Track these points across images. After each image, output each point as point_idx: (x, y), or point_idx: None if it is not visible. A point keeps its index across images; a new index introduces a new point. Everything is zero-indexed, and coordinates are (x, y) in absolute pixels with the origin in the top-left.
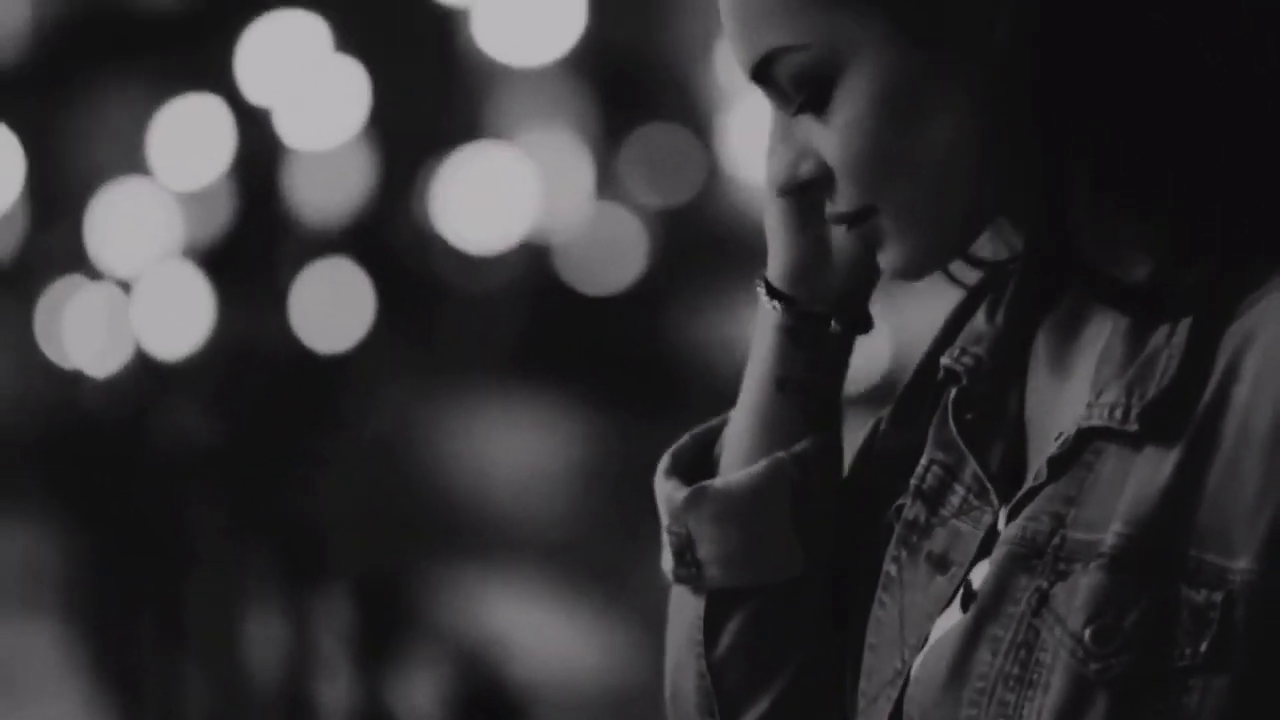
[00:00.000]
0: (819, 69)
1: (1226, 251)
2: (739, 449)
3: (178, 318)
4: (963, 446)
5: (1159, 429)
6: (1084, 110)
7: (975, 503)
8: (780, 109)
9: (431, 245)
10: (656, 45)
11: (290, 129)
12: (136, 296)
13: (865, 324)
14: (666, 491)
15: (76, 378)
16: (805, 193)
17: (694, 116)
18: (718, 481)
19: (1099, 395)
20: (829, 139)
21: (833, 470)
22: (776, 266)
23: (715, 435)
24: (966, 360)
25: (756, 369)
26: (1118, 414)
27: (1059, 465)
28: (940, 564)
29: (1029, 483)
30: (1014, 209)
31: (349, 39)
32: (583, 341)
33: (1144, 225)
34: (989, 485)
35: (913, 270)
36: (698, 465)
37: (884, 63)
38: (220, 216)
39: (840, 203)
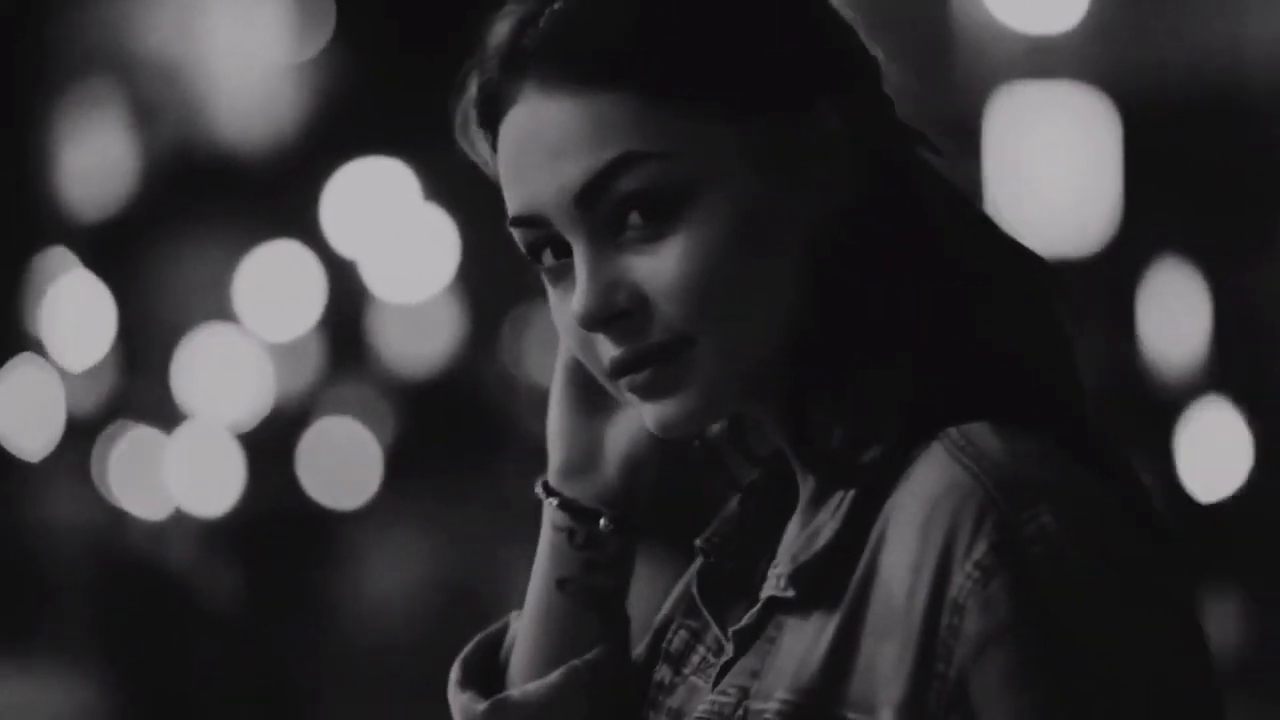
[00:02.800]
0: (668, 183)
1: (904, 431)
2: (528, 653)
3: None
4: (705, 612)
5: (817, 597)
6: (850, 289)
7: (712, 660)
8: (593, 243)
9: (519, 395)
10: None
11: (377, 278)
12: (230, 445)
13: (639, 525)
14: (463, 703)
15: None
16: (614, 325)
17: None
18: (515, 694)
19: (775, 565)
20: (662, 261)
21: (625, 670)
22: (554, 464)
23: (500, 638)
24: (715, 539)
25: (538, 569)
26: (781, 581)
27: (744, 636)
28: (677, 718)
29: (725, 654)
30: (769, 374)
31: (438, 188)
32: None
33: (843, 401)
34: (726, 641)
35: (698, 415)
36: (489, 672)
37: (740, 190)
38: (310, 366)
39: (656, 332)
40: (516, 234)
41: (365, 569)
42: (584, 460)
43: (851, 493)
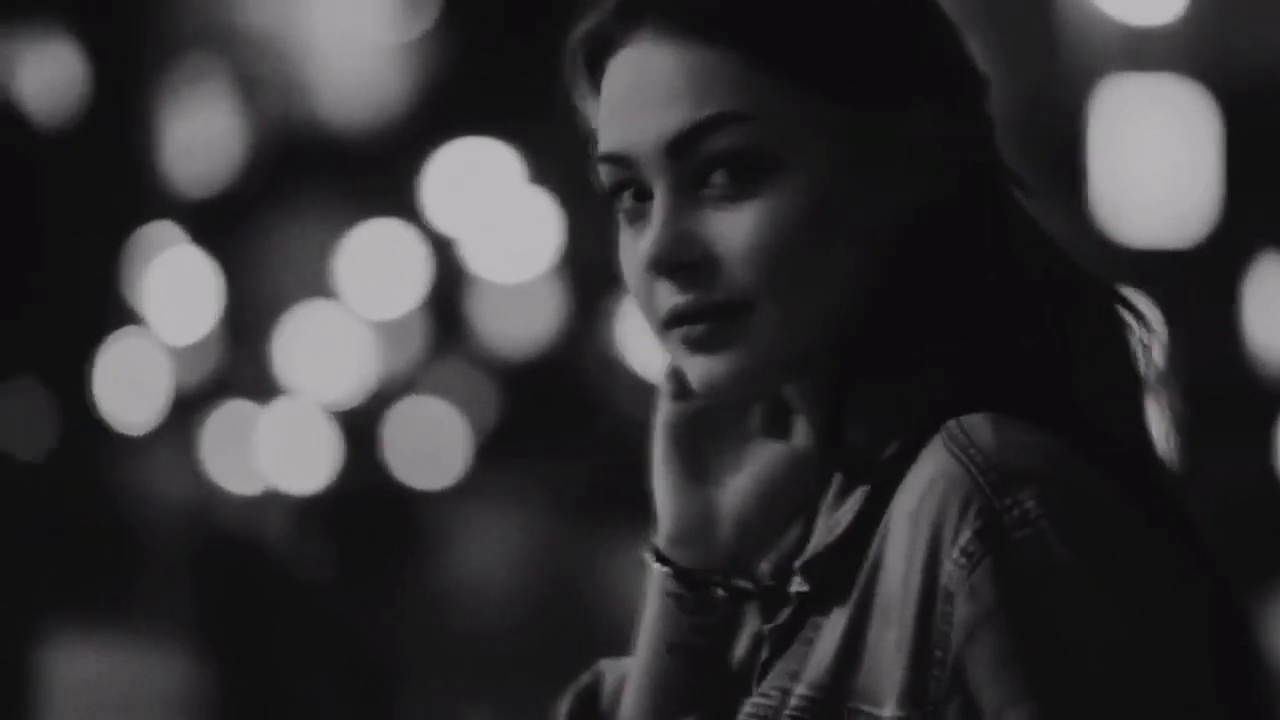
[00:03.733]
0: (759, 149)
1: (919, 427)
2: (635, 710)
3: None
4: (765, 636)
5: (836, 593)
6: (922, 286)
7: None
8: (676, 191)
9: (618, 380)
10: None
11: (478, 259)
12: (325, 422)
13: (752, 590)
14: None
15: (264, 500)
16: (679, 274)
17: None
18: None
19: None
20: (738, 222)
21: None
22: (664, 530)
23: (594, 689)
24: (779, 564)
25: (647, 631)
26: (796, 574)
27: (780, 635)
28: None
29: (764, 653)
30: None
31: (542, 170)
32: None
33: (876, 400)
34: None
35: (743, 379)
36: None
37: (825, 171)
38: (412, 345)
39: (719, 290)
40: (602, 170)
41: (457, 550)
42: (695, 527)
43: (866, 487)
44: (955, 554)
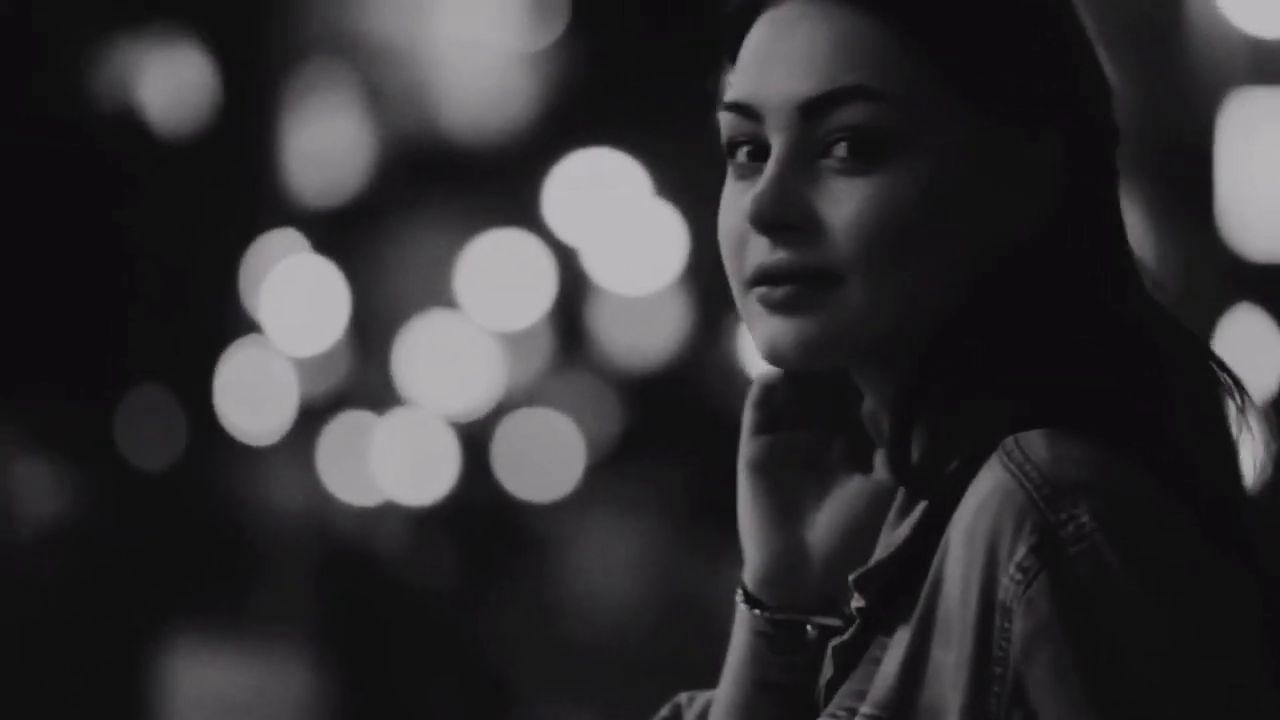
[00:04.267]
0: (888, 129)
1: (978, 441)
2: None
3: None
4: (829, 657)
5: (899, 612)
6: (1018, 308)
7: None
8: (794, 152)
9: (740, 392)
10: None
11: (602, 270)
12: (445, 433)
13: (840, 627)
14: None
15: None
16: (779, 232)
17: None
18: None
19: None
20: (849, 196)
21: None
22: (752, 571)
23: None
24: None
25: (736, 668)
26: (852, 589)
27: (844, 654)
28: None
29: (827, 673)
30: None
31: (668, 183)
32: None
33: (944, 417)
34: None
35: (812, 348)
36: None
37: (945, 168)
38: (535, 356)
39: (812, 256)
40: (725, 119)
41: (575, 561)
42: (783, 567)
43: (925, 503)
44: (1011, 570)
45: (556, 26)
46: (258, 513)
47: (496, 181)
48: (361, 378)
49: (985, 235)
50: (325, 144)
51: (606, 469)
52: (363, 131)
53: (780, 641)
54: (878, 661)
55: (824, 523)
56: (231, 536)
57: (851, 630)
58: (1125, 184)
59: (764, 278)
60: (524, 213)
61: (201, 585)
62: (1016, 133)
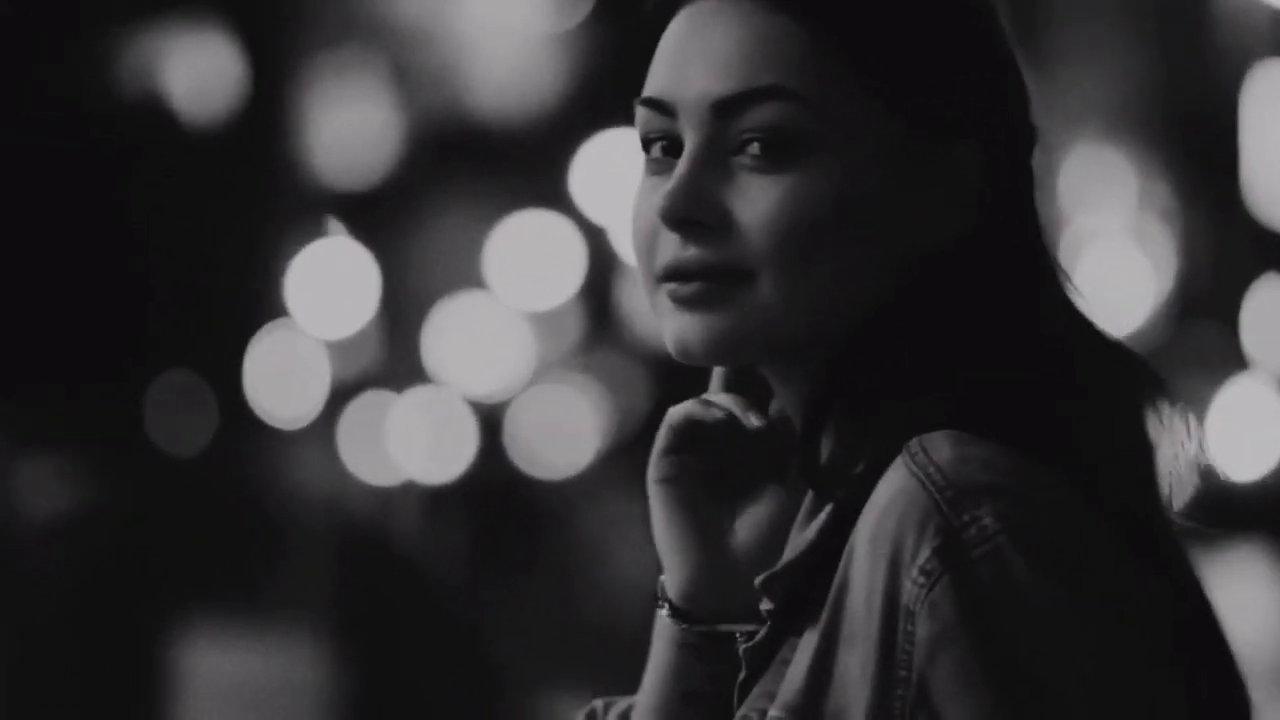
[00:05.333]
0: (801, 130)
1: (885, 444)
2: None
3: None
4: (740, 653)
5: (807, 614)
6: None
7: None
8: (707, 150)
9: None
10: None
11: (628, 249)
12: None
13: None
14: None
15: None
16: (689, 229)
17: None
18: None
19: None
20: (760, 194)
21: None
22: (676, 583)
23: None
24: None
25: (659, 680)
26: (765, 596)
27: (755, 656)
28: None
29: (741, 674)
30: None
31: None
32: None
33: (853, 421)
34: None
35: (722, 345)
36: None
37: (859, 170)
38: (566, 336)
39: (722, 252)
40: (640, 114)
41: (596, 542)
42: (705, 579)
43: (830, 506)
44: (915, 573)
45: (583, 6)
46: (286, 497)
47: (525, 162)
48: (392, 360)
49: (902, 239)
50: (353, 127)
51: (637, 448)
52: (390, 114)
53: (706, 652)
54: (787, 663)
55: (743, 531)
56: (257, 522)
57: (762, 632)
58: (1153, 156)
59: (674, 274)
60: (553, 193)
61: (223, 571)
62: (935, 138)
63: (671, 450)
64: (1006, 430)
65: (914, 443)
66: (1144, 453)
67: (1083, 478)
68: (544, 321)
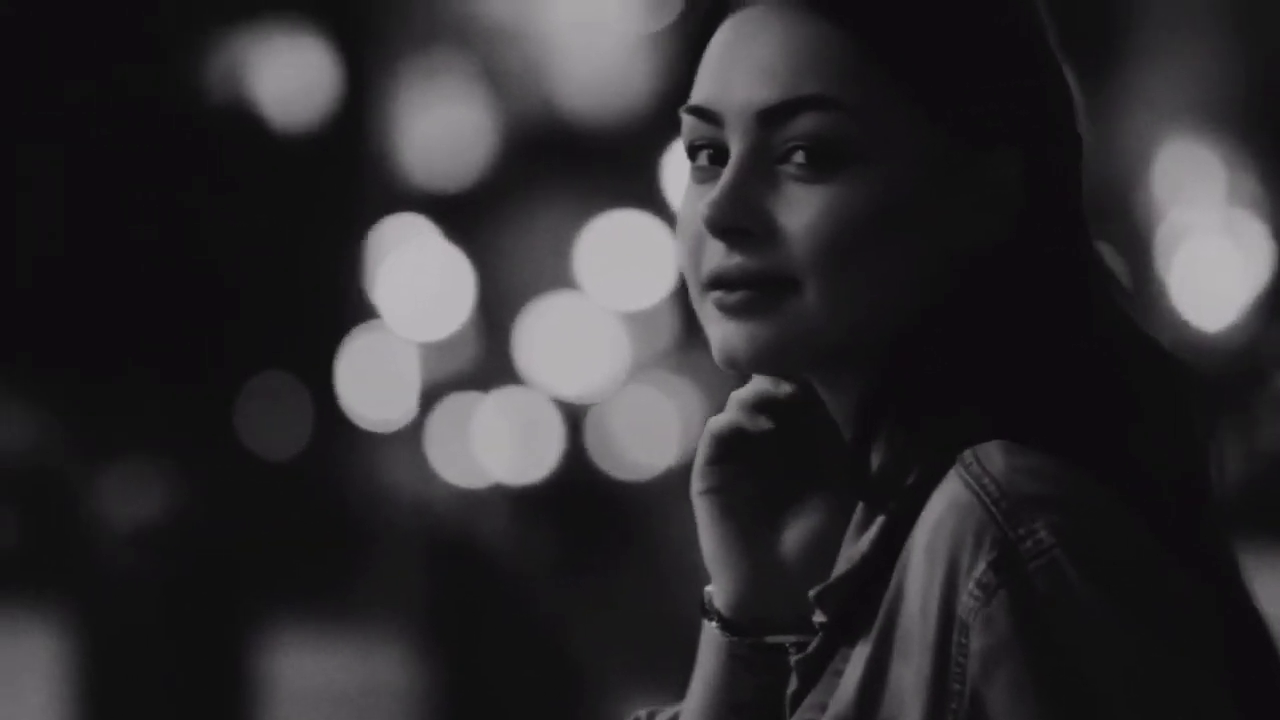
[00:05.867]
0: (844, 140)
1: (936, 454)
2: None
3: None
4: (792, 659)
5: (859, 624)
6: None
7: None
8: (751, 158)
9: None
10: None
11: None
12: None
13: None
14: None
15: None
16: (734, 236)
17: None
18: None
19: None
20: (804, 203)
21: None
22: (724, 595)
23: None
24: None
25: (708, 692)
26: (813, 604)
27: (807, 667)
28: None
29: (791, 685)
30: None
31: None
32: None
33: (904, 433)
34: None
35: (766, 354)
36: None
37: (900, 179)
38: (663, 335)
39: (767, 261)
40: (686, 122)
41: (682, 546)
42: (754, 589)
43: (883, 516)
44: (970, 586)
45: (674, 6)
46: (377, 500)
47: (616, 162)
48: (483, 361)
49: (942, 247)
50: (444, 128)
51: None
52: (482, 115)
53: (754, 663)
54: (839, 674)
55: (790, 541)
56: (347, 524)
57: (814, 643)
58: (1243, 150)
59: (719, 282)
60: (644, 193)
61: (312, 574)
62: (976, 146)
63: (715, 460)
64: (1056, 439)
65: (967, 453)
66: (1193, 459)
67: (1130, 486)
68: (636, 322)
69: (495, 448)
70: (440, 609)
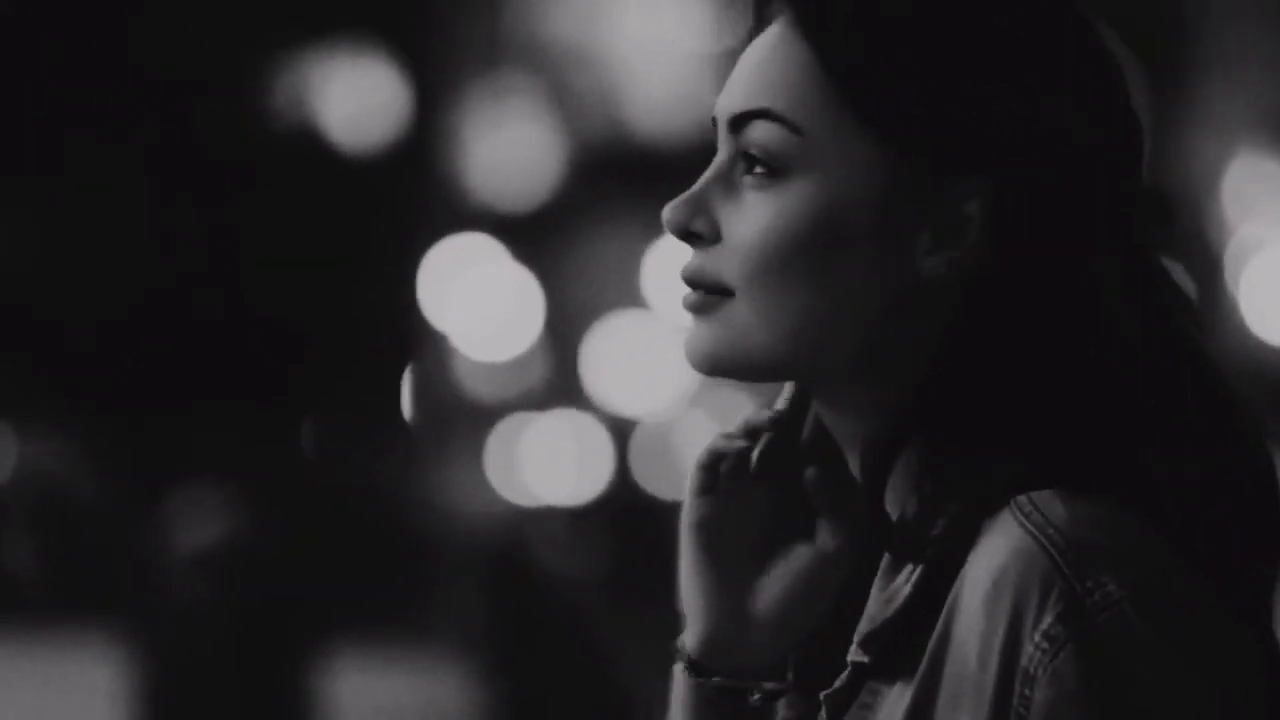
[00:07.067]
0: (786, 156)
1: (974, 500)
2: None
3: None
4: (791, 678)
5: (896, 665)
6: (971, 356)
7: None
8: (722, 165)
9: None
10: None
11: None
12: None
13: (784, 690)
14: None
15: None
16: (690, 240)
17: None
18: None
19: (858, 632)
20: (746, 213)
21: None
22: (696, 637)
23: None
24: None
25: None
26: (855, 647)
27: (836, 702)
28: None
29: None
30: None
31: None
32: None
33: (927, 478)
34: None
35: (707, 363)
36: None
37: (841, 198)
38: None
39: (711, 267)
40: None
41: None
42: (728, 634)
43: (919, 565)
44: (1037, 638)
45: (739, 28)
46: (441, 521)
47: (683, 180)
48: (551, 380)
49: (894, 273)
50: (513, 149)
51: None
52: (549, 135)
53: (724, 708)
54: (868, 707)
55: (770, 587)
56: (411, 546)
57: (842, 679)
58: None
59: (681, 279)
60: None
61: (373, 595)
62: (934, 175)
63: (702, 491)
64: (1097, 484)
65: (1024, 500)
66: (1251, 508)
67: (1178, 533)
68: None
69: (555, 467)
70: (501, 630)
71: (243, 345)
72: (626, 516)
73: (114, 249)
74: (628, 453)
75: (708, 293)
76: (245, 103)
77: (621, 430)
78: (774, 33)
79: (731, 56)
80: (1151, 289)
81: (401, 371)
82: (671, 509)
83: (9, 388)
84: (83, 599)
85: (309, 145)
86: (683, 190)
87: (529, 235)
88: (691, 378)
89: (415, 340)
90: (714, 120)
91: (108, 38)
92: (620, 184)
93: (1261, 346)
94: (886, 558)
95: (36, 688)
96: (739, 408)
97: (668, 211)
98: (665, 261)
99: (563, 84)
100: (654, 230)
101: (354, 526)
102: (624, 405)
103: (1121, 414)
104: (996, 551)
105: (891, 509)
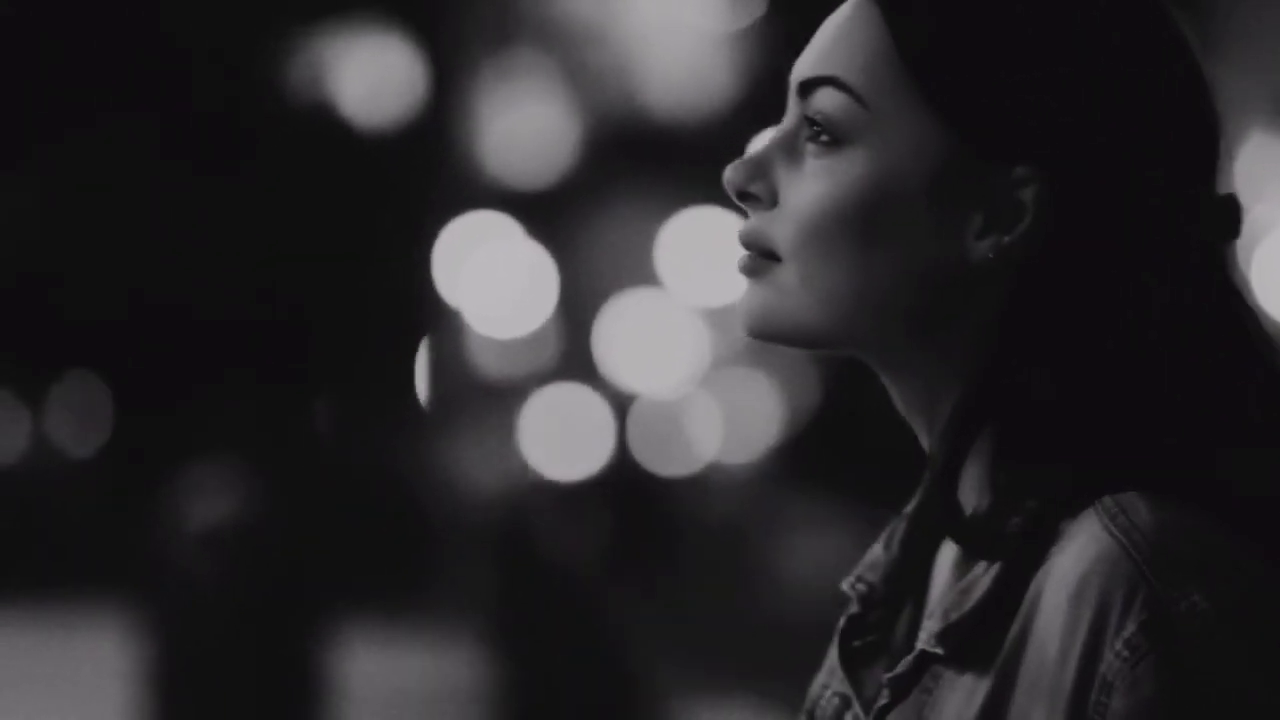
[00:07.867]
0: (847, 125)
1: (1051, 498)
2: None
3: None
4: (841, 672)
5: (970, 655)
6: (1031, 344)
7: (863, 718)
8: (788, 129)
9: None
10: None
11: None
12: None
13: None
14: None
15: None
16: (747, 200)
17: None
18: None
19: (929, 616)
20: (801, 180)
21: None
22: None
23: None
24: (860, 587)
25: None
26: (932, 638)
27: (900, 684)
28: None
29: (880, 699)
30: (928, 407)
31: None
32: None
33: (992, 469)
34: (862, 714)
35: (757, 326)
36: None
37: (905, 169)
38: (737, 331)
39: (764, 230)
40: None
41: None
42: None
43: (997, 563)
44: (1119, 645)
45: (756, 7)
46: (454, 499)
47: (697, 159)
48: (564, 357)
49: (943, 253)
50: (528, 127)
51: (809, 442)
52: (563, 114)
53: None
54: (929, 691)
55: None
56: (421, 523)
57: (906, 662)
58: None
59: (739, 239)
60: (724, 189)
61: (383, 575)
62: (992, 160)
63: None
64: (1178, 486)
65: (1109, 502)
66: None
67: (1260, 533)
68: (717, 317)
69: (566, 443)
70: (510, 609)
71: (256, 323)
72: (628, 493)
73: (128, 227)
74: (660, 426)
75: (760, 256)
76: (260, 81)
77: (625, 407)
78: (854, 3)
79: (742, 35)
80: (1212, 297)
81: (415, 348)
82: (670, 485)
83: (22, 364)
84: (94, 577)
85: (324, 123)
86: (699, 167)
87: (543, 213)
88: (701, 356)
89: (429, 317)
90: (789, 82)
91: (122, 16)
92: (634, 162)
93: (1273, 328)
94: (957, 555)
95: (47, 665)
96: (745, 390)
97: (728, 172)
98: (678, 240)
99: (577, 62)
100: (668, 208)
101: (367, 504)
102: (635, 383)
103: (1194, 413)
104: (1082, 553)
105: (963, 497)
